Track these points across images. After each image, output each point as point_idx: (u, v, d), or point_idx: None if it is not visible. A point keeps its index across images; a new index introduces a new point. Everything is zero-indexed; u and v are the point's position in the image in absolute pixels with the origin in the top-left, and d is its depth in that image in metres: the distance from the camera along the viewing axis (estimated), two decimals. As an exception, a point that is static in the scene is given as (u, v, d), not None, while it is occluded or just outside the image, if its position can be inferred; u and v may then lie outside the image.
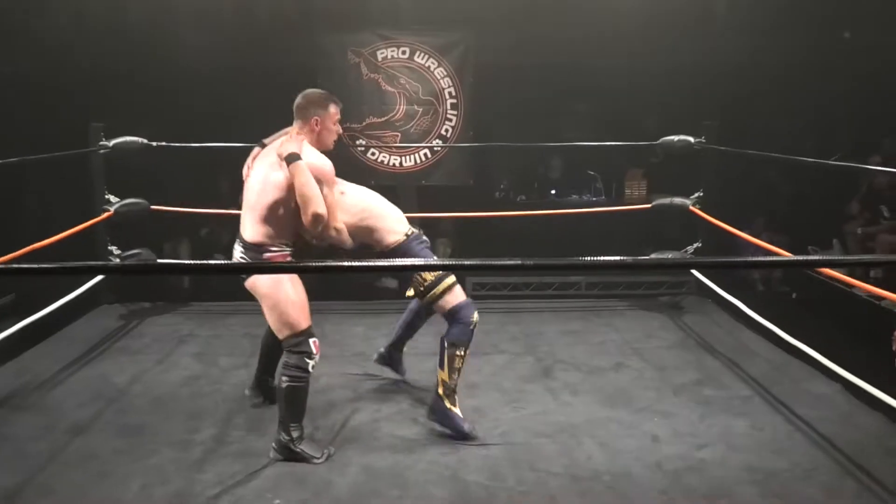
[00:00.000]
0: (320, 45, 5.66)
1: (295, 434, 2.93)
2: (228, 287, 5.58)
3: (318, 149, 2.98)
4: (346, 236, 2.99)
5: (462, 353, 3.05)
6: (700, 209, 4.80)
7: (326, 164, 2.92)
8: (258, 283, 2.92)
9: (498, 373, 3.86)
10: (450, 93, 5.75)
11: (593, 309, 5.07)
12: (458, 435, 3.07)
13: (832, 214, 5.61)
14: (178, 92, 5.68)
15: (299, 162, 2.83)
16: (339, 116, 3.06)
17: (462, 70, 5.71)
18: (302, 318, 2.92)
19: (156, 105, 5.56)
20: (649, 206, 5.02)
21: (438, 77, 5.69)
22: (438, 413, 3.11)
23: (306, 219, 2.83)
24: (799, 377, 3.74)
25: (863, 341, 3.74)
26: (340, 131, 3.09)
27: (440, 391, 3.09)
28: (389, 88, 5.68)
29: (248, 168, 3.04)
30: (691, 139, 4.80)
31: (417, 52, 5.65)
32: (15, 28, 5.39)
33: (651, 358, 4.08)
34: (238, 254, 3.00)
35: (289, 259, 2.97)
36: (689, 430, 3.19)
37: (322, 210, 2.82)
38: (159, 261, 5.15)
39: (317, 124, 2.99)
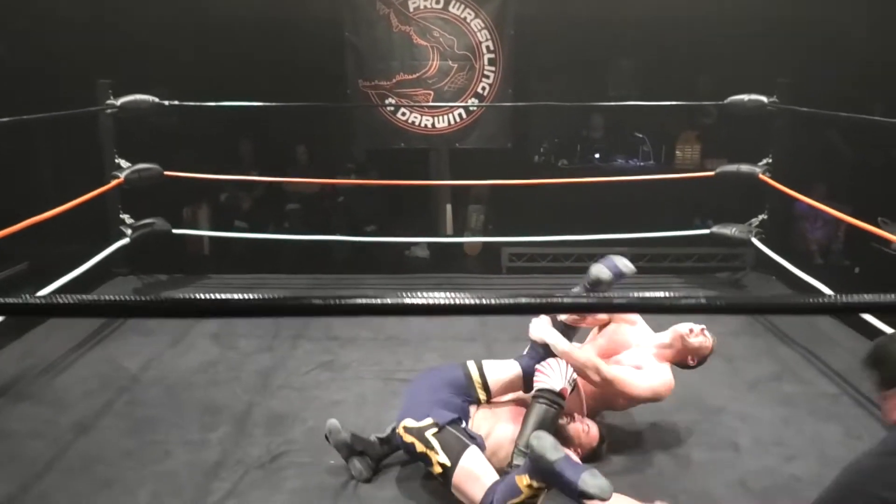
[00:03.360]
0: (347, -5, 5.16)
1: None
2: (250, 258, 5.28)
3: None
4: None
5: None
6: (770, 177, 4.29)
7: None
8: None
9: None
10: (487, 47, 5.25)
11: (643, 285, 4.61)
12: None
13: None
14: (194, 46, 5.24)
15: None
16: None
17: (501, 22, 5.19)
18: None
19: (169, 60, 5.14)
20: (712, 174, 4.50)
21: (475, 29, 5.18)
22: None
23: None
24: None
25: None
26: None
27: None
28: (422, 42, 5.18)
29: None
30: (764, 99, 4.25)
31: (453, 2, 5.13)
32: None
33: (717, 346, 3.64)
34: None
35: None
36: (773, 438, 2.78)
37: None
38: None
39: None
